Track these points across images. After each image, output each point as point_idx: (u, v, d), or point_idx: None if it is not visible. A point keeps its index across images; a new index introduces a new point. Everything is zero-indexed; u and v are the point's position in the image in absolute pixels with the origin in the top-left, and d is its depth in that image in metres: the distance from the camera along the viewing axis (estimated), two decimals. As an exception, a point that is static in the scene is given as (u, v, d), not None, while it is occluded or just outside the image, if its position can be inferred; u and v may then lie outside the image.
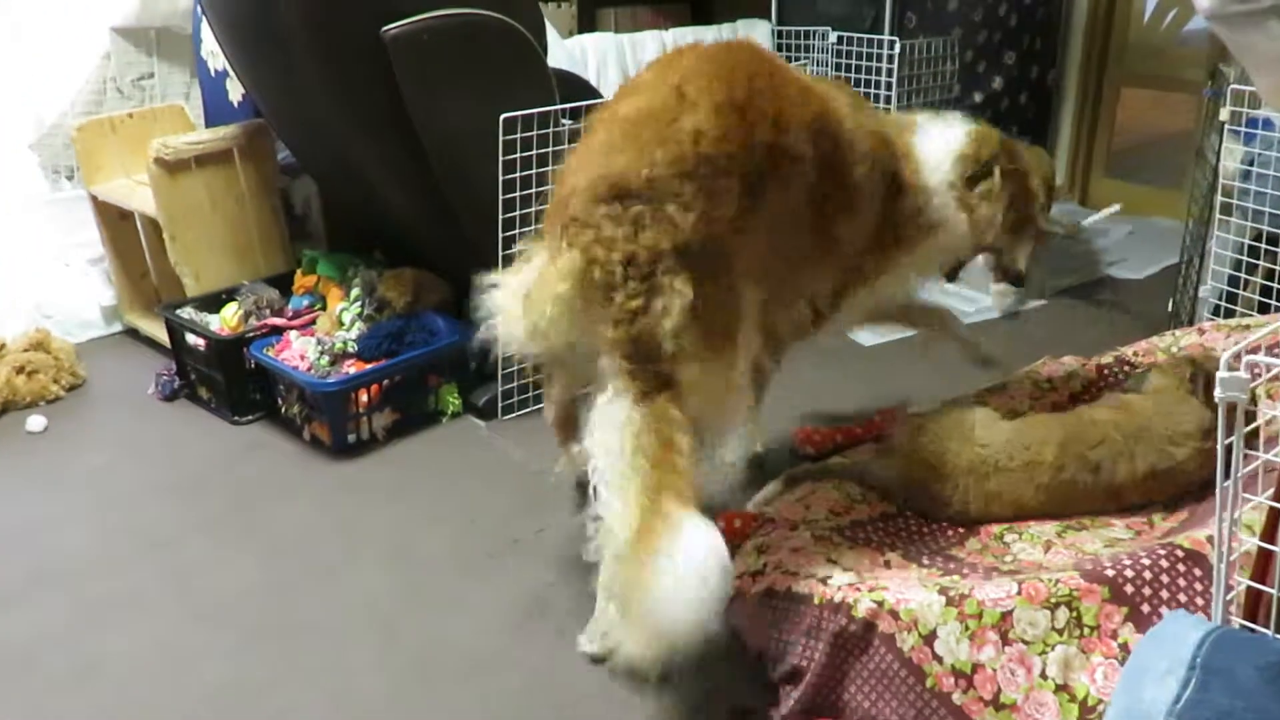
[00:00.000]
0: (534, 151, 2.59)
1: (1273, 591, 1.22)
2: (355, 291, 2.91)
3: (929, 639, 1.68)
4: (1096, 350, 2.79)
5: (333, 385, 2.65)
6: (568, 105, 2.66)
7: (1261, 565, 1.24)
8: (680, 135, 1.76)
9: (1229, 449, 1.20)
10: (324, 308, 3.00)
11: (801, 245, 2.06)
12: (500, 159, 2.54)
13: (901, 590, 1.74)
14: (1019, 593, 1.66)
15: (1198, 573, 1.65)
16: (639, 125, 1.80)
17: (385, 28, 2.43)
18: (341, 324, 2.87)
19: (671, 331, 1.72)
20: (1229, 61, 3.57)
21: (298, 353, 2.79)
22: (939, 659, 1.67)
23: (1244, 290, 2.89)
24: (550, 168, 2.62)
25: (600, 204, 1.75)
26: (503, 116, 2.50)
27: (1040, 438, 2.13)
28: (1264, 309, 2.88)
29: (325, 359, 2.75)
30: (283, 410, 2.80)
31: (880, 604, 1.73)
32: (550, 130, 2.60)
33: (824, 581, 1.85)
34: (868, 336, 3.29)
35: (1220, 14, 1.05)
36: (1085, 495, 2.12)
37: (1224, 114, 2.71)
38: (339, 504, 2.51)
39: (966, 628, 1.66)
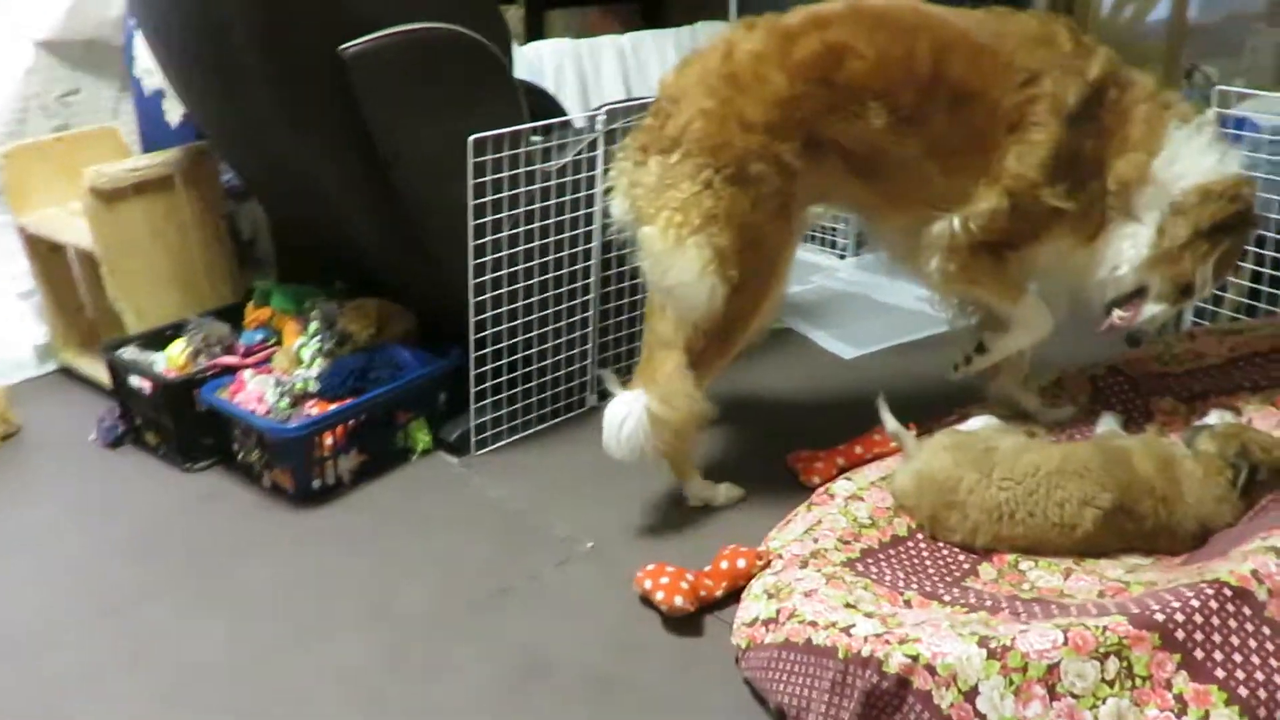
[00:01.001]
0: (505, 173, 2.44)
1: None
2: (314, 325, 2.73)
3: (970, 695, 1.57)
4: (1086, 358, 2.73)
5: (295, 430, 2.47)
6: (539, 124, 2.51)
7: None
8: None
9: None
10: (279, 343, 2.81)
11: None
12: (470, 181, 2.38)
13: (936, 642, 1.63)
14: (1065, 642, 1.55)
15: (1248, 612, 1.57)
16: None
17: (344, 46, 2.26)
18: (301, 361, 2.69)
19: None
20: (1207, 60, 3.54)
21: (254, 394, 2.60)
22: (982, 716, 1.56)
23: (1229, 293, 2.84)
24: (522, 189, 2.48)
25: None
26: (472, 137, 2.34)
27: (1079, 496, 2.04)
28: (1251, 311, 2.84)
29: (285, 401, 2.56)
30: (239, 456, 2.61)
31: (915, 658, 1.62)
32: (522, 150, 2.45)
33: (848, 632, 1.73)
34: (849, 349, 3.20)
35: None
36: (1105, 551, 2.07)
37: (1209, 114, 2.64)
38: (306, 558, 2.33)
39: (1011, 682, 1.55)
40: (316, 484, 2.53)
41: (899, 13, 2.28)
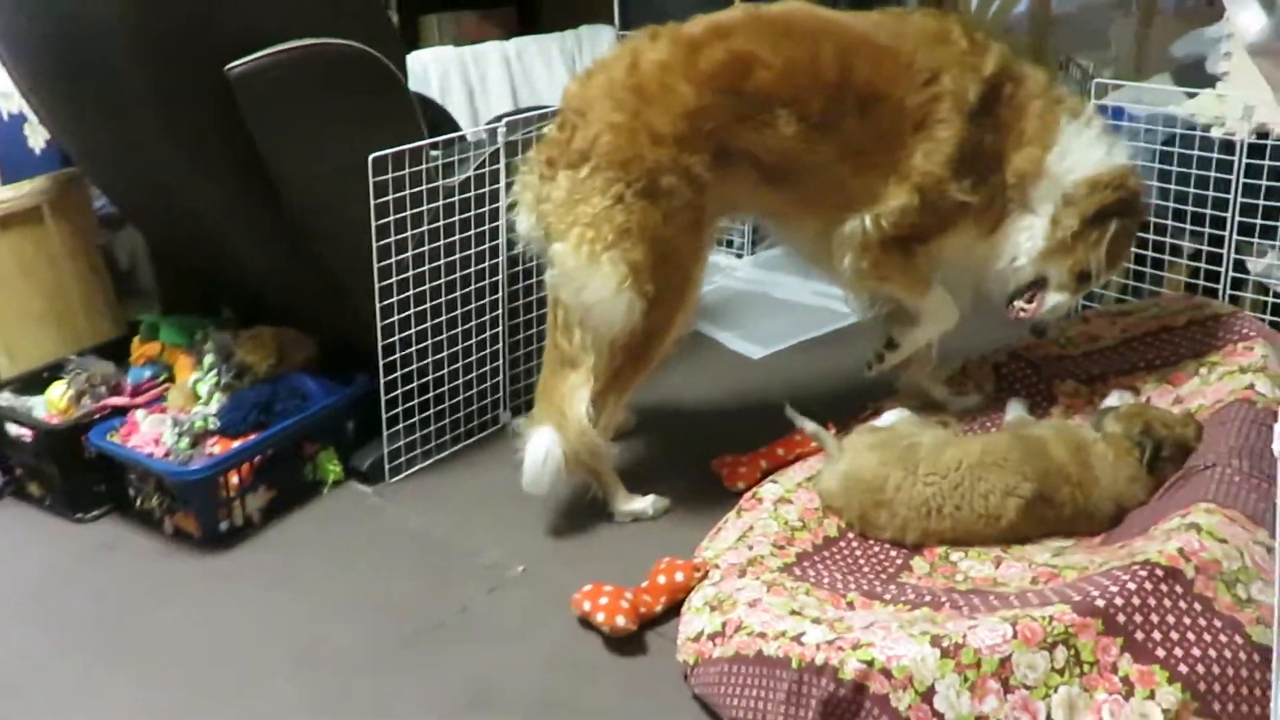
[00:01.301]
0: (407, 191, 2.36)
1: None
2: (209, 358, 2.58)
3: (927, 696, 1.59)
4: (988, 346, 2.81)
5: (199, 471, 2.34)
6: (439, 139, 2.44)
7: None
8: None
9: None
10: (172, 379, 2.66)
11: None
12: (372, 202, 2.30)
13: (889, 645, 1.64)
14: (1015, 635, 1.59)
15: (1179, 590, 1.64)
16: None
17: (230, 65, 2.14)
18: (198, 397, 2.55)
19: None
20: (1082, 52, 3.68)
21: (150, 436, 2.45)
22: (940, 715, 1.58)
23: (1168, 272, 2.93)
24: (425, 206, 2.41)
25: None
26: (372, 156, 2.25)
27: (1002, 487, 2.09)
28: (1136, 292, 2.97)
29: (185, 441, 2.42)
30: (137, 503, 2.46)
31: (870, 663, 1.63)
32: (423, 167, 2.37)
33: (799, 641, 1.74)
34: (756, 349, 3.22)
35: (1271, 48, 0.98)
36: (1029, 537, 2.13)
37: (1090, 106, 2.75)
38: (222, 605, 2.21)
39: (965, 679, 1.58)
40: (224, 526, 2.40)
41: (799, 19, 2.30)
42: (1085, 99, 2.55)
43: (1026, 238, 2.35)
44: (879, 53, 2.27)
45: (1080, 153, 2.30)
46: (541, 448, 2.28)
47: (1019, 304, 2.39)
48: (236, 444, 2.44)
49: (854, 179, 2.29)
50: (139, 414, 2.53)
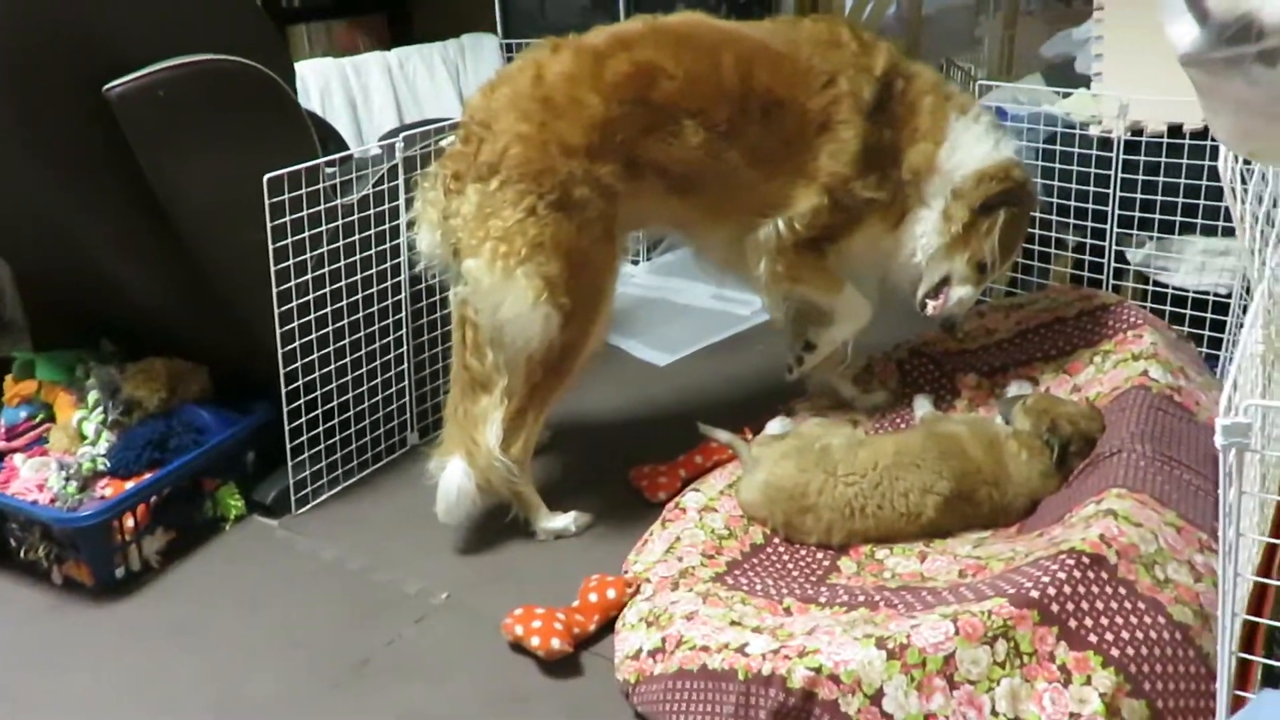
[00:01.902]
0: (305, 212, 2.26)
1: (1271, 623, 1.23)
2: (94, 395, 2.42)
3: (875, 698, 1.60)
4: (888, 343, 2.87)
5: (89, 517, 2.19)
6: (335, 156, 2.35)
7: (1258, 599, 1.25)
8: None
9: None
10: (52, 419, 2.49)
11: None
12: (268, 224, 2.19)
13: (835, 650, 1.65)
14: (956, 632, 1.62)
15: (1105, 576, 1.69)
16: None
17: (108, 85, 2.01)
18: (84, 437, 2.39)
19: None
20: (951, 54, 3.80)
21: (32, 481, 2.29)
22: (889, 717, 1.60)
23: (1054, 264, 3.04)
24: (323, 227, 2.32)
25: None
26: (267, 176, 2.15)
27: (920, 485, 2.14)
28: (1025, 285, 3.08)
29: (72, 485, 2.27)
30: (21, 553, 2.29)
31: (818, 670, 1.63)
32: (321, 186, 2.28)
33: (743, 652, 1.73)
34: (662, 355, 3.21)
35: (1203, 59, 1.02)
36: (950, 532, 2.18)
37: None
38: (124, 660, 2.07)
39: (912, 679, 1.60)
40: (120, 573, 2.26)
41: (698, 30, 2.31)
42: (973, 96, 2.63)
43: (922, 232, 2.42)
44: (776, 60, 2.29)
45: (968, 148, 2.38)
46: (453, 482, 2.24)
47: (930, 303, 2.45)
48: (130, 485, 2.30)
49: (763, 184, 2.31)
50: (18, 458, 2.37)
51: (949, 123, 2.38)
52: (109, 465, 2.34)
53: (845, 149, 2.30)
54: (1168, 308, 2.73)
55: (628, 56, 2.19)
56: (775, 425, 2.49)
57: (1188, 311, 2.72)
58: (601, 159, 2.17)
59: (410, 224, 2.36)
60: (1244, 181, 1.58)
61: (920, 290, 2.44)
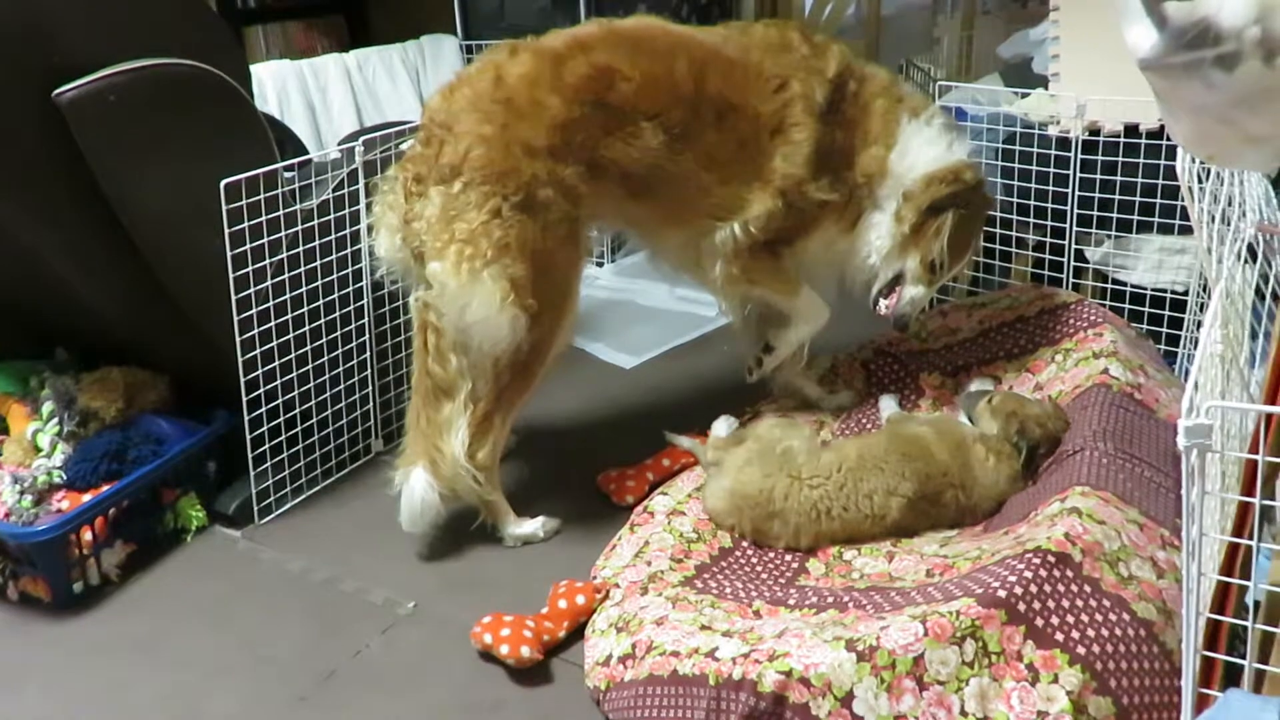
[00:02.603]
0: (263, 217, 2.23)
1: (1234, 621, 1.24)
2: (48, 406, 2.37)
3: (846, 701, 1.61)
4: (852, 343, 2.89)
5: (46, 531, 2.14)
6: (293, 161, 2.32)
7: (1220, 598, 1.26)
8: None
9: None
10: (5, 431, 2.44)
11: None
12: (226, 230, 2.16)
13: (805, 653, 1.65)
14: (925, 633, 1.62)
15: (1070, 574, 1.71)
16: None
17: (58, 90, 1.97)
18: (39, 449, 2.34)
19: None
20: (910, 54, 3.82)
21: (-15, 496, 2.24)
22: (860, 719, 1.60)
23: (1014, 263, 3.06)
24: (282, 233, 2.28)
25: None
26: (224, 182, 2.12)
27: (884, 487, 2.15)
28: (987, 284, 3.11)
29: (27, 499, 2.22)
30: (-25, 569, 2.24)
31: (788, 673, 1.63)
32: (279, 191, 2.25)
33: (713, 656, 1.73)
34: (627, 358, 3.21)
35: (1161, 63, 1.03)
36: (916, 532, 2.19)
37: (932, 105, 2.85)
38: (83, 678, 2.02)
39: (882, 681, 1.61)
40: (79, 588, 2.22)
41: (651, 34, 2.32)
42: (928, 98, 2.65)
43: (875, 235, 2.43)
44: (729, 65, 2.31)
45: (919, 150, 2.39)
46: (417, 493, 2.23)
47: (883, 302, 2.46)
48: (87, 497, 2.26)
49: (719, 188, 2.32)
50: (-31, 473, 2.31)
51: (900, 126, 2.40)
52: (65, 478, 2.29)
53: (798, 151, 2.31)
54: (1126, 305, 2.76)
55: (586, 59, 2.19)
56: (721, 426, 2.49)
57: (1146, 309, 2.75)
58: (564, 160, 2.16)
59: (369, 229, 2.34)
60: (1201, 182, 1.60)
61: (874, 289, 2.46)
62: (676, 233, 2.45)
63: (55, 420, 2.36)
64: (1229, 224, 1.69)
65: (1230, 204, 1.71)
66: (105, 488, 2.28)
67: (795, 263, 2.49)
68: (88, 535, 2.22)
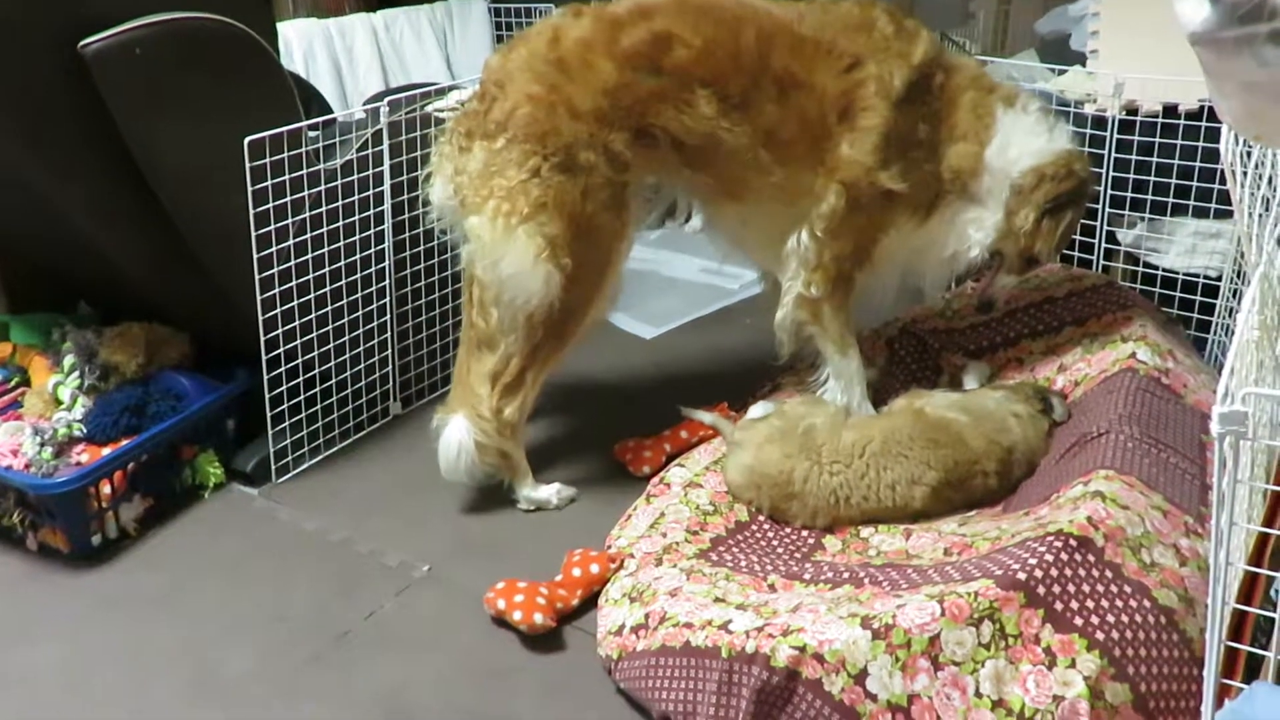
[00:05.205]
0: (286, 176, 2.22)
1: (1260, 613, 1.22)
2: (70, 360, 2.38)
3: (859, 678, 1.59)
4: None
5: (65, 483, 2.16)
6: (318, 120, 2.30)
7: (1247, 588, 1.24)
8: None
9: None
10: (27, 384, 2.45)
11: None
12: (249, 188, 2.15)
13: (820, 629, 1.64)
14: (943, 613, 1.61)
15: (1092, 559, 1.68)
16: None
17: (84, 42, 1.95)
18: (60, 402, 2.35)
19: None
20: (945, 29, 3.74)
21: (7, 446, 2.25)
22: (873, 697, 1.59)
23: None
24: (305, 192, 2.27)
25: None
26: (248, 140, 2.10)
27: (907, 477, 2.12)
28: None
29: (48, 450, 2.23)
30: (-5, 519, 2.26)
31: (802, 649, 1.62)
32: (303, 150, 2.23)
33: (727, 629, 1.72)
34: (648, 329, 3.19)
35: (1213, 37, 0.99)
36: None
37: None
38: (101, 628, 2.04)
39: (897, 659, 1.59)
40: (97, 540, 2.23)
41: (724, 3, 2.25)
42: (1018, 85, 2.56)
43: (975, 229, 2.36)
44: (799, 40, 2.23)
45: (1021, 143, 2.30)
46: (454, 439, 2.26)
47: (970, 283, 2.42)
48: (106, 451, 2.27)
49: (779, 168, 2.26)
50: (-8, 423, 2.32)
51: (996, 118, 2.30)
52: (85, 431, 2.30)
53: (866, 137, 2.22)
54: (1157, 289, 2.72)
55: (646, 25, 2.16)
56: (758, 409, 2.45)
57: (1177, 294, 2.71)
58: (610, 124, 2.14)
59: (425, 178, 2.32)
60: (1244, 164, 1.55)
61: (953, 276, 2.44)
62: (735, 207, 2.40)
63: (76, 374, 2.37)
64: (1269, 207, 1.65)
65: (1272, 186, 1.67)
66: (125, 442, 2.29)
67: (871, 277, 2.43)
68: (106, 488, 2.23)
